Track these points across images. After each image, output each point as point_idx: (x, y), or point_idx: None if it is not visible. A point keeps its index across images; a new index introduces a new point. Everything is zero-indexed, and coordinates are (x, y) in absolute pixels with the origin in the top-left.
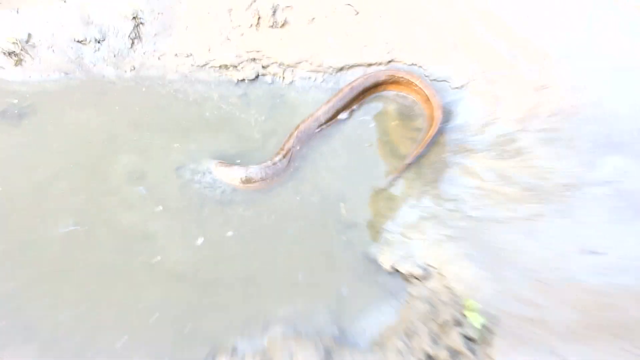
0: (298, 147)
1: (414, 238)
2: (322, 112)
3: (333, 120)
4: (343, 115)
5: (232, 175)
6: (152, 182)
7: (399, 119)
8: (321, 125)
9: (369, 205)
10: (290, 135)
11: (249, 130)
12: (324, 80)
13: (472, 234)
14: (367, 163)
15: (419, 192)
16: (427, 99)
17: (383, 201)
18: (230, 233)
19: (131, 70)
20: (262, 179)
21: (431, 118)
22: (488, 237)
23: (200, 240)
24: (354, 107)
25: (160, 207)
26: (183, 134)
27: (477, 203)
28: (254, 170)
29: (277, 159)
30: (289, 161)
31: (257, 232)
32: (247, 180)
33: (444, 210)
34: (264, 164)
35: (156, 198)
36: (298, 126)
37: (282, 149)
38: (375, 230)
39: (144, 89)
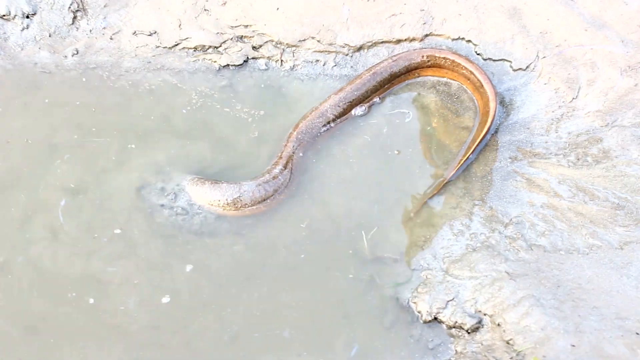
0: (301, 153)
1: (461, 276)
2: (330, 105)
3: (345, 117)
4: (358, 111)
5: (216, 197)
6: (102, 208)
7: (440, 115)
8: (329, 122)
9: (399, 232)
10: (288, 138)
11: (236, 135)
12: (336, 64)
13: (540, 270)
14: (396, 176)
15: (467, 214)
16: (480, 86)
17: (418, 227)
18: (207, 284)
19: (73, 55)
20: (260, 200)
21: (485, 112)
22: (562, 273)
23: (166, 299)
24: (376, 99)
25: (115, 245)
26: (146, 141)
27: (546, 227)
28: (248, 189)
29: (276, 170)
30: (290, 173)
31: (251, 276)
32: (238, 204)
33: (501, 237)
34: (261, 179)
35: (108, 231)
36: (297, 124)
37: (280, 157)
38: (408, 266)
39: (90, 80)
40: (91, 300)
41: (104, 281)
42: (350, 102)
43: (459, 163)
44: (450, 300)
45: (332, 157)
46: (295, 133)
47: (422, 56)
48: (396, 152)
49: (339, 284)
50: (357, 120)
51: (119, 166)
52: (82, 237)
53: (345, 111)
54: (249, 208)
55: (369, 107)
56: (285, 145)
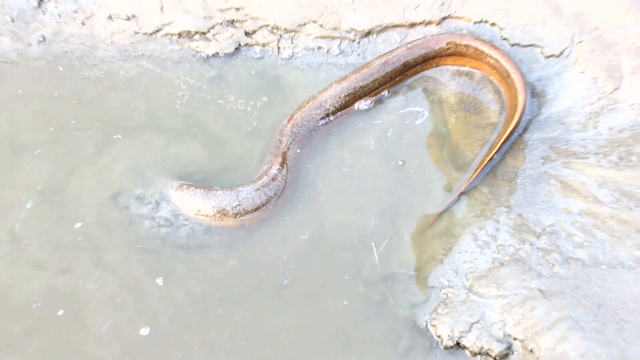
0: (298, 150)
1: (487, 295)
2: (330, 96)
3: (346, 110)
4: (363, 104)
5: (207, 205)
6: (72, 218)
7: (460, 111)
8: (327, 114)
9: (415, 244)
10: (282, 131)
11: (227, 132)
12: (341, 51)
13: (578, 287)
14: (410, 180)
15: (494, 222)
16: (507, 76)
17: (437, 238)
18: (191, 305)
19: (40, 42)
20: (260, 206)
21: (513, 106)
22: (604, 291)
23: (145, 330)
24: (384, 92)
25: (86, 261)
26: (124, 139)
27: (585, 238)
28: (247, 195)
29: (273, 170)
30: (287, 172)
31: (243, 298)
32: (237, 212)
33: (533, 249)
34: (259, 182)
35: (79, 244)
36: (292, 116)
37: (275, 155)
38: (425, 283)
39: (60, 70)
40: (54, 323)
41: (69, 302)
42: (353, 92)
43: (482, 165)
44: (475, 323)
45: (333, 155)
46: (289, 126)
47: (443, 43)
48: (400, 162)
49: (346, 304)
50: (360, 116)
51: (92, 168)
52: (44, 249)
53: (347, 104)
54: (249, 216)
55: (374, 101)
56: (280, 140)
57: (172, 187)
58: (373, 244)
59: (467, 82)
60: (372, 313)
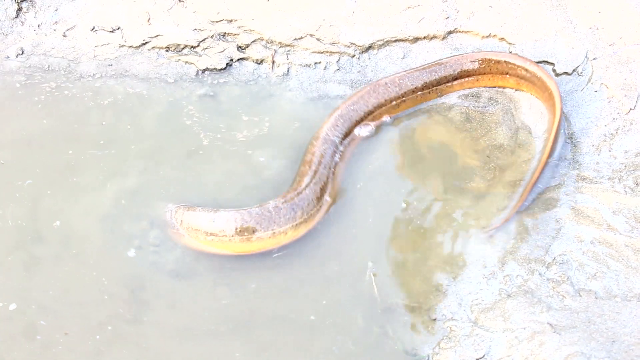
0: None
1: (493, 328)
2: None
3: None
4: (364, 130)
5: (220, 227)
6: (53, 249)
7: (462, 129)
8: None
9: (417, 274)
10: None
11: (221, 156)
12: (340, 67)
13: (591, 321)
14: (408, 201)
15: (500, 251)
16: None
17: (439, 268)
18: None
19: (18, 55)
20: (287, 229)
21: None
22: (618, 325)
23: None
24: (386, 117)
25: (70, 297)
26: (113, 159)
27: (598, 268)
28: (274, 211)
29: (307, 180)
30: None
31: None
32: (258, 237)
33: (542, 280)
34: (287, 196)
35: (63, 275)
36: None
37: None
38: (426, 316)
39: (39, 87)
40: None
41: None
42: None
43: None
44: (480, 359)
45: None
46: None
47: (474, 61)
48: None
49: (343, 338)
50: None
51: (82, 191)
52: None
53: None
54: (265, 242)
55: (377, 126)
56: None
57: (172, 208)
58: (372, 275)
59: (471, 104)
60: (371, 346)
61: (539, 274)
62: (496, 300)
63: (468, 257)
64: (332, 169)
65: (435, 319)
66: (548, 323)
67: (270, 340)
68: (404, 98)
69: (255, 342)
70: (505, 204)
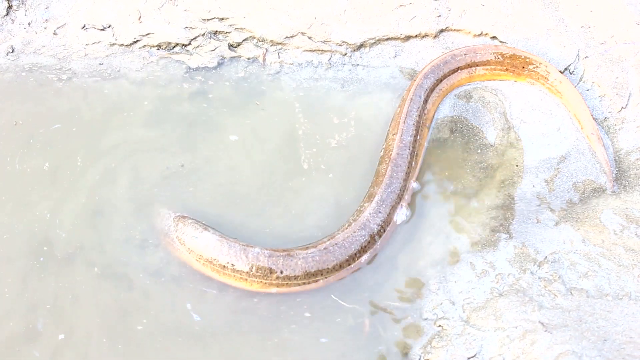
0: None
1: (485, 327)
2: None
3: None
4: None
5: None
6: (48, 273)
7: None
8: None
9: (407, 273)
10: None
11: (216, 159)
12: (331, 65)
13: (582, 320)
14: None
15: (492, 250)
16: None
17: (430, 267)
18: None
19: (8, 53)
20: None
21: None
22: (609, 324)
23: None
24: (413, 183)
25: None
26: (97, 162)
27: (589, 267)
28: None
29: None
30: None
31: None
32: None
33: (534, 279)
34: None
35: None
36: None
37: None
38: (417, 315)
39: (30, 85)
40: None
41: None
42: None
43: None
44: (472, 357)
45: None
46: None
47: (491, 53)
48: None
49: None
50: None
51: (72, 200)
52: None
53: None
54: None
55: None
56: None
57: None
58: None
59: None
60: (362, 345)
61: (531, 272)
62: (488, 299)
63: (460, 256)
64: None
65: (426, 318)
66: (540, 322)
67: None
68: None
69: None
70: None
